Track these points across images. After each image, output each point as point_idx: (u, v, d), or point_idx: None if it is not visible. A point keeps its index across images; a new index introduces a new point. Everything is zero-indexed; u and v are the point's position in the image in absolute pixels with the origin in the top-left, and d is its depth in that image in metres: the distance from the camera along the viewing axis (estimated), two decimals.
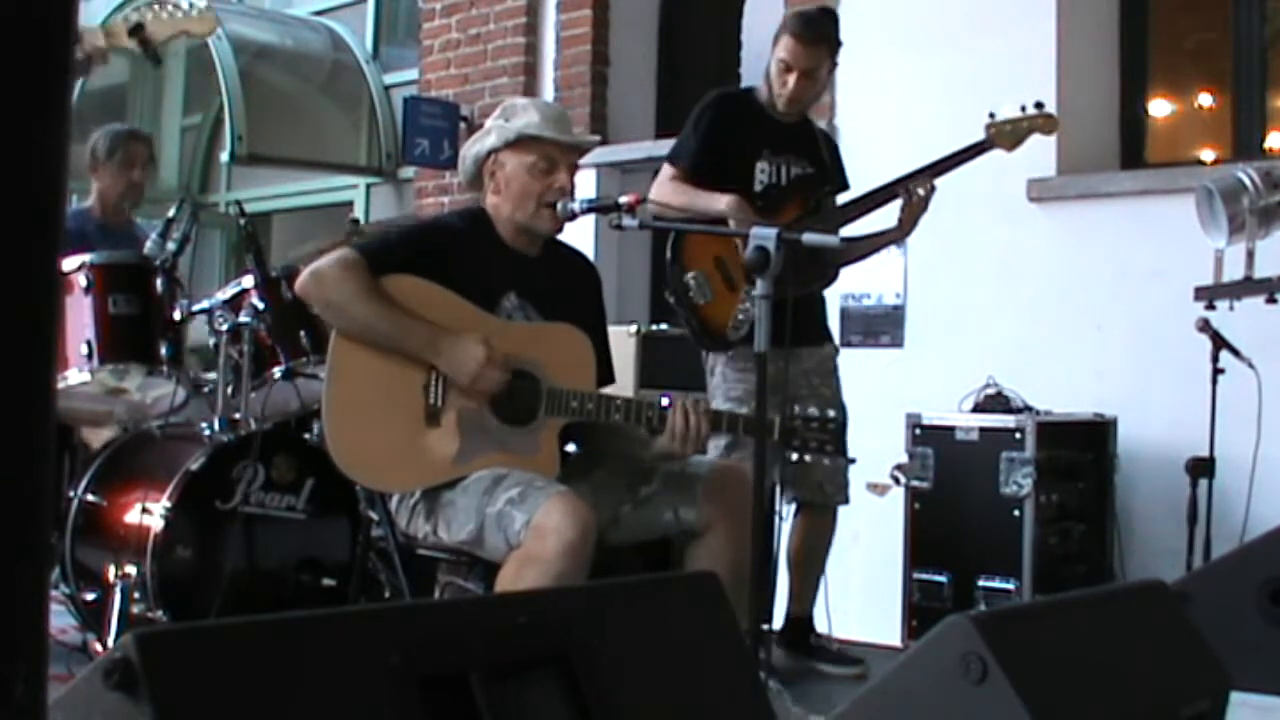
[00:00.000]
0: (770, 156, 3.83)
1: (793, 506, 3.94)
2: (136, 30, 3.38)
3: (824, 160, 3.91)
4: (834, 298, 4.77)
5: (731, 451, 3.65)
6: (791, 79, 3.79)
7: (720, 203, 3.67)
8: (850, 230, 3.85)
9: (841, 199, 3.92)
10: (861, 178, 4.01)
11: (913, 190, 3.73)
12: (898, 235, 3.83)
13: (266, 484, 3.52)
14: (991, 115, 3.85)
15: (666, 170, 3.83)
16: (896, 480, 4.43)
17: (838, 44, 3.89)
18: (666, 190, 3.76)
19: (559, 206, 3.00)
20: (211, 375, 3.87)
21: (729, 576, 2.32)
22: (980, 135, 3.85)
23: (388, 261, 2.90)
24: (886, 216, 3.84)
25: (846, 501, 3.99)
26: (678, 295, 3.74)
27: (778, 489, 3.66)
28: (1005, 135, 3.84)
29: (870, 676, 3.83)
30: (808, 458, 2.94)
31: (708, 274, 3.72)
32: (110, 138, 4.44)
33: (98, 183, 4.47)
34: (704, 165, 3.76)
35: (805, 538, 3.99)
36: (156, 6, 3.44)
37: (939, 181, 3.79)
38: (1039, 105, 3.88)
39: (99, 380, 3.61)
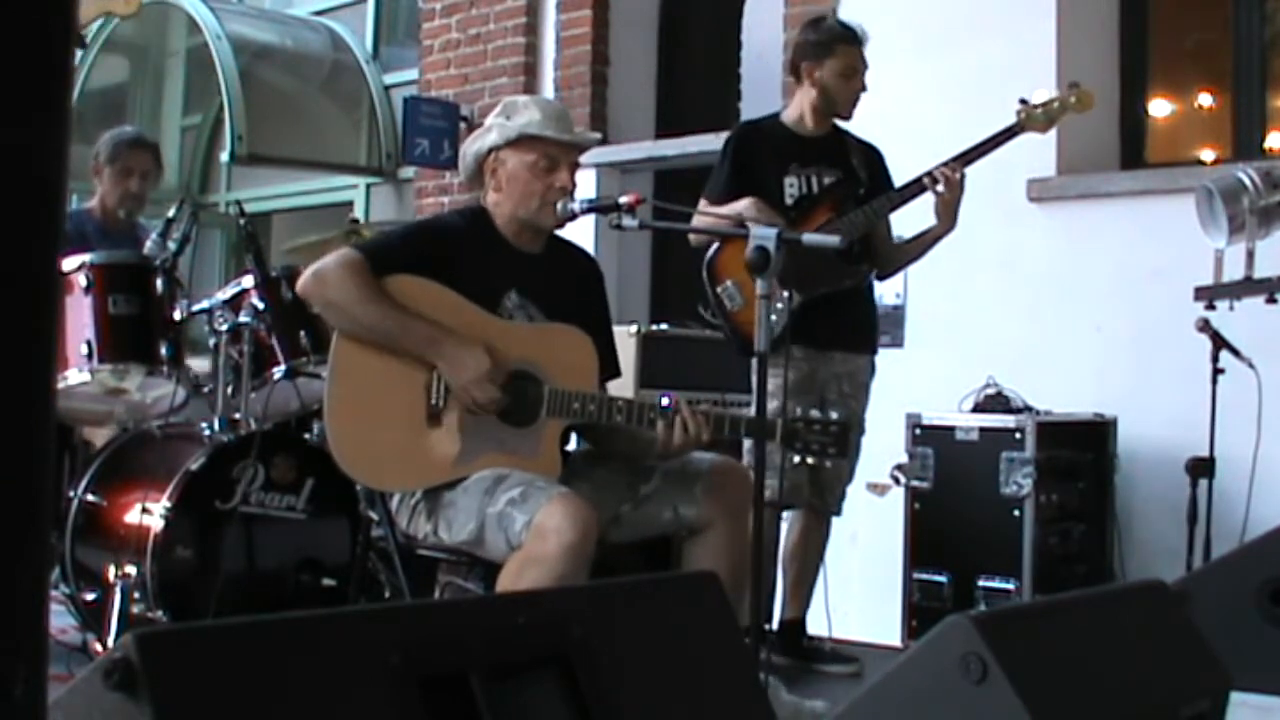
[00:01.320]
0: (799, 170, 3.89)
1: (790, 510, 3.93)
2: None
3: (854, 165, 3.95)
4: None
5: None
6: (858, 81, 3.92)
7: (737, 206, 3.72)
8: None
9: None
10: None
11: (944, 177, 3.73)
12: (942, 230, 3.82)
13: (266, 484, 3.52)
14: (1023, 101, 3.85)
15: (701, 203, 3.91)
16: (896, 480, 4.43)
17: None
18: (696, 215, 3.81)
19: (559, 206, 3.00)
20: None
21: (729, 574, 2.32)
22: (1008, 122, 3.83)
23: (389, 261, 2.90)
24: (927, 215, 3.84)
25: (839, 513, 3.99)
26: (714, 307, 3.81)
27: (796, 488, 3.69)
28: (1037, 119, 3.84)
29: (867, 675, 3.83)
30: (809, 460, 2.94)
31: (739, 282, 3.76)
32: (113, 144, 4.41)
33: (99, 186, 4.46)
34: (733, 191, 3.82)
35: (802, 541, 3.99)
36: None
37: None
38: (1074, 85, 3.89)
39: (99, 380, 3.61)
